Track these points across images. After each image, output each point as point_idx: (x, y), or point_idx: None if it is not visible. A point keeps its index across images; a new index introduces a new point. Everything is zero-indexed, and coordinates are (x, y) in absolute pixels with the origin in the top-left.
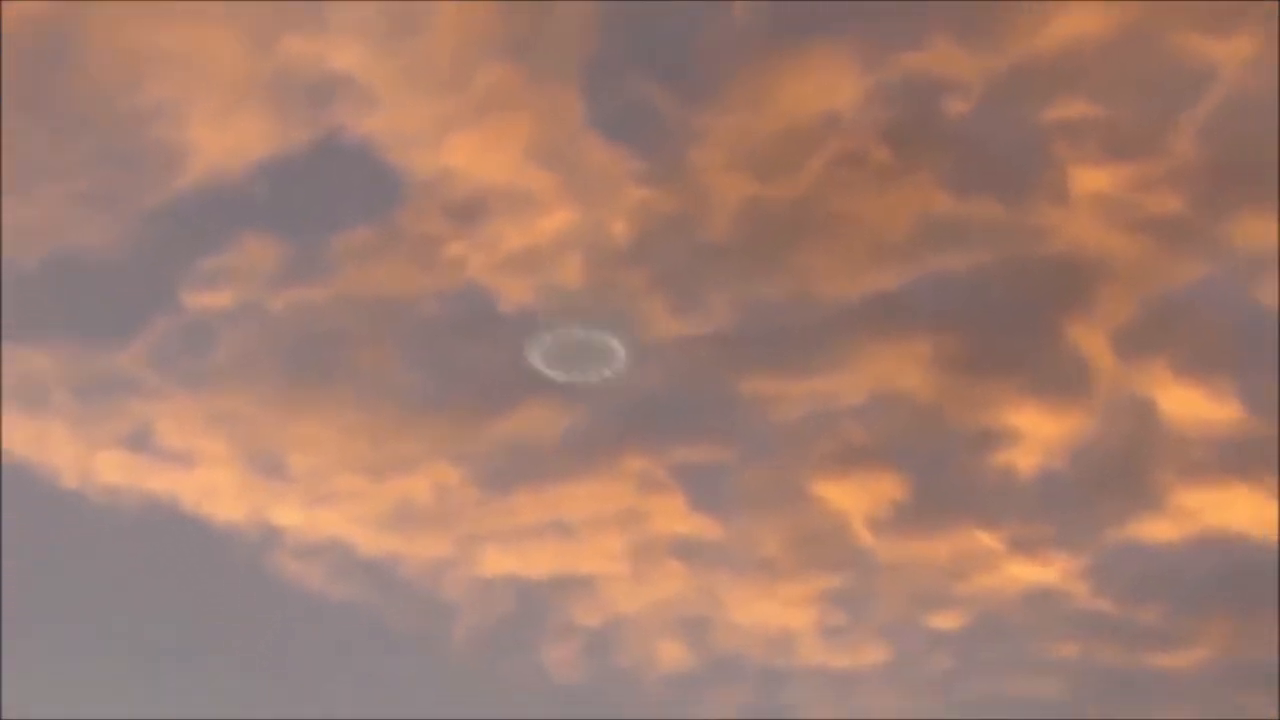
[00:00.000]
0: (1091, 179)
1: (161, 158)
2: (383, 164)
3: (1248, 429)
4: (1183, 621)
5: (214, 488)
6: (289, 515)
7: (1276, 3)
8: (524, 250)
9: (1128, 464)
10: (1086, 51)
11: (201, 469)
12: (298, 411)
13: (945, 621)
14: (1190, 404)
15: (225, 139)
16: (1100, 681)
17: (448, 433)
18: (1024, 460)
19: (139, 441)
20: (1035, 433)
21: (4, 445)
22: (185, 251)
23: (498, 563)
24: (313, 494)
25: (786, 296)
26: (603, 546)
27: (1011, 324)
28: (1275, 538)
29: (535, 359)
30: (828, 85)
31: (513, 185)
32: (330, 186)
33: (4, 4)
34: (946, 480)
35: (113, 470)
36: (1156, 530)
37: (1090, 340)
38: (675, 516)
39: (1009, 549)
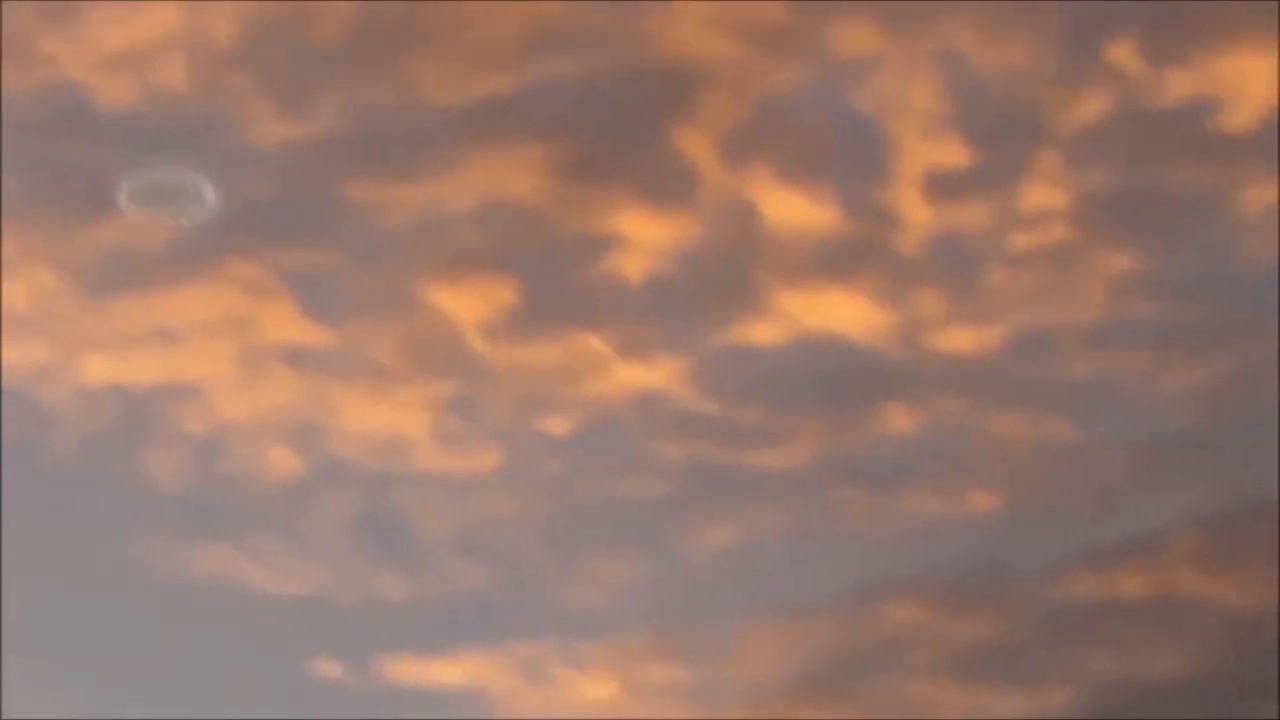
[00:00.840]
0: None
1: None
2: None
3: (844, 233)
4: (783, 421)
5: None
6: None
7: None
8: (123, 50)
9: (731, 268)
10: None
11: None
12: None
13: (556, 425)
14: (791, 208)
15: None
16: (705, 480)
17: (45, 237)
18: (632, 265)
19: None
20: (643, 238)
21: None
22: None
23: (100, 370)
24: None
25: (396, 102)
26: (210, 353)
27: (620, 130)
28: (869, 338)
29: (123, 200)
30: None
31: None
32: None
33: None
34: (556, 285)
35: None
36: (759, 333)
37: (696, 146)
38: (284, 323)
39: (618, 353)
